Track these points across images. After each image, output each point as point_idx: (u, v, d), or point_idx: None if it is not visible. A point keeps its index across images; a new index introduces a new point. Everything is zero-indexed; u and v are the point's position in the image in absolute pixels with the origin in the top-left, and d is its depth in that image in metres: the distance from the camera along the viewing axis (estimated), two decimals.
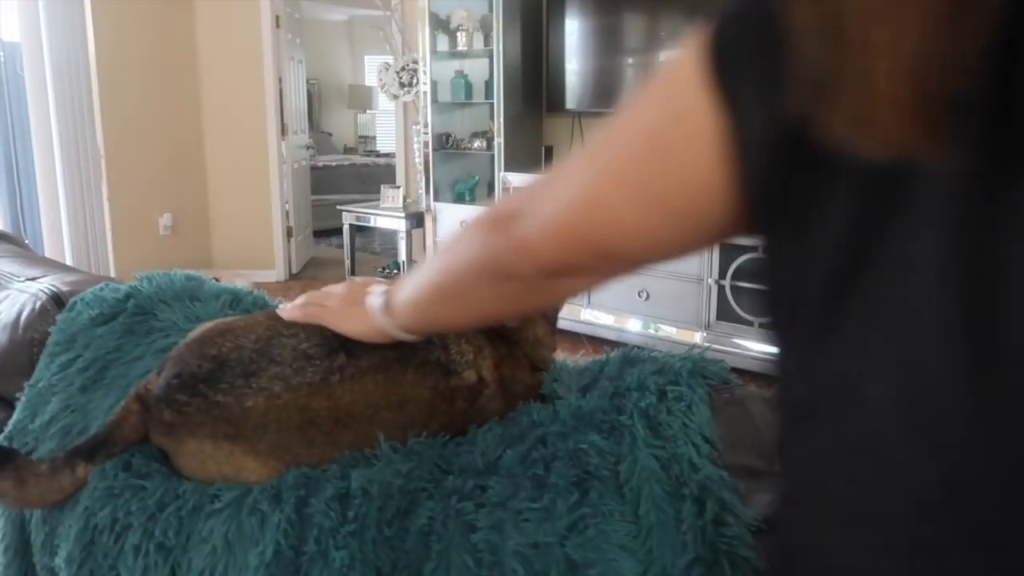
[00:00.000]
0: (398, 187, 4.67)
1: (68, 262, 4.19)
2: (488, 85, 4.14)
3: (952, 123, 0.31)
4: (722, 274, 3.38)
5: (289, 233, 5.27)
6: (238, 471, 0.81)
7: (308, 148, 6.00)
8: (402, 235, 4.51)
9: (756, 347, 3.35)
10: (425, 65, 4.15)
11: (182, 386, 0.81)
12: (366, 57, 8.99)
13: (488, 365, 0.91)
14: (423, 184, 4.33)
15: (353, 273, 4.76)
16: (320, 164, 7.19)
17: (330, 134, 8.91)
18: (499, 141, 3.99)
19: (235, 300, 1.13)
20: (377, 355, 0.85)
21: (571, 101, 4.02)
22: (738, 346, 3.36)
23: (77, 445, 0.85)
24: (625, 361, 0.90)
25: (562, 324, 1.02)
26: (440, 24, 4.18)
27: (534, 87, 4.13)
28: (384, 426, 0.85)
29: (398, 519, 0.77)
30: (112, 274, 4.33)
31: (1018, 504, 0.33)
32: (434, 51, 4.17)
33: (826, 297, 0.38)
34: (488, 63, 4.07)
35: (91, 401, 0.96)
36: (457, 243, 0.64)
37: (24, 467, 0.84)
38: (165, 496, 0.80)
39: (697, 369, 0.85)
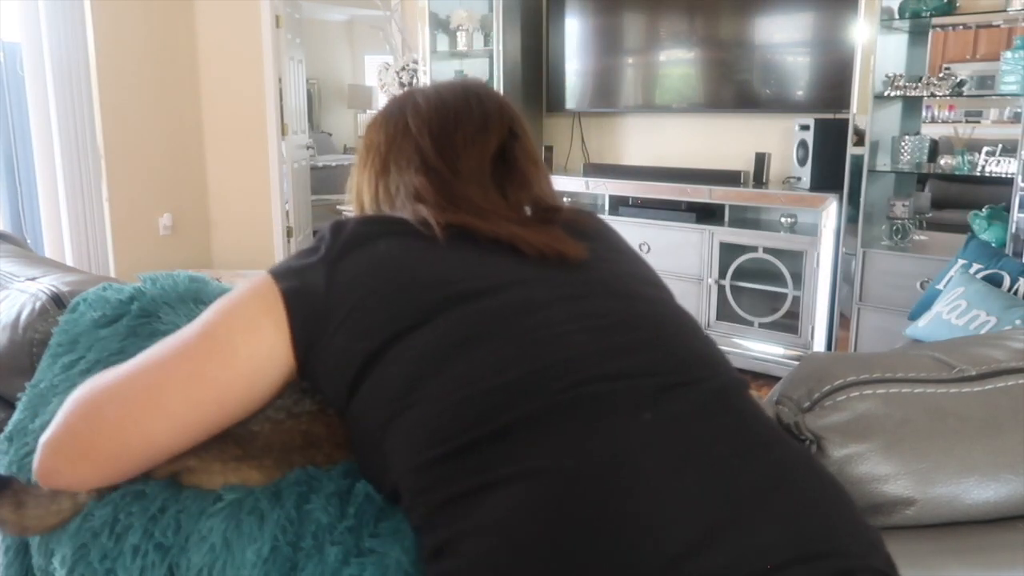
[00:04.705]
0: None
1: (68, 262, 4.19)
2: (488, 85, 4.14)
3: None
4: (722, 274, 3.38)
5: (289, 233, 5.27)
6: (243, 480, 0.82)
7: (308, 148, 6.00)
8: None
9: (756, 347, 3.35)
10: (425, 65, 4.16)
11: None
12: (366, 57, 8.99)
13: None
14: None
15: None
16: (320, 164, 7.18)
17: (330, 134, 8.91)
18: None
19: None
20: None
21: (571, 101, 4.02)
22: (738, 346, 3.36)
23: None
24: None
25: None
26: (440, 24, 4.18)
27: (534, 87, 4.13)
28: None
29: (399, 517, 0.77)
30: (112, 274, 4.33)
31: None
32: (434, 51, 4.17)
33: None
34: (488, 63, 4.08)
35: None
36: None
37: (22, 491, 0.84)
38: (167, 501, 0.80)
39: None
